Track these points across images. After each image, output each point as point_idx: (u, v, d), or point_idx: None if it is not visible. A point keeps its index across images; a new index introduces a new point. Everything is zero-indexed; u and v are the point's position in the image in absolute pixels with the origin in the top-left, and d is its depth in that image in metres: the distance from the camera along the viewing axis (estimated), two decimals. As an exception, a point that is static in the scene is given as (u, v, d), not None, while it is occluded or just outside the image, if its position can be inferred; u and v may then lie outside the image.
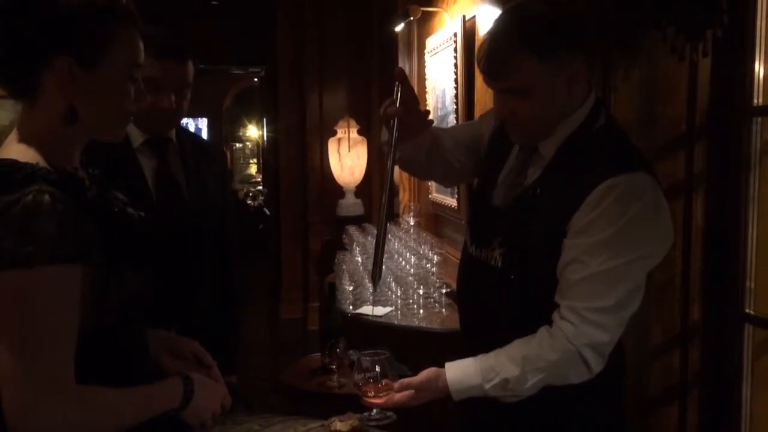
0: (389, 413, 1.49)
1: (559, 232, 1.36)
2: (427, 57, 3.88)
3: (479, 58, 1.42)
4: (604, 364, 1.37)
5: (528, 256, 1.41)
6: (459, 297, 1.69)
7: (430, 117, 1.62)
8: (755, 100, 1.88)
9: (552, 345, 1.35)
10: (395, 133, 1.48)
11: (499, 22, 1.42)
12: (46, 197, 0.98)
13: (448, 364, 1.42)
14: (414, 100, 1.54)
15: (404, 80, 1.51)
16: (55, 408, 0.99)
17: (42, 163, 1.04)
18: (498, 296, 1.47)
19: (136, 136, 1.77)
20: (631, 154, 1.42)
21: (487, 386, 1.37)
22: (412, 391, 1.42)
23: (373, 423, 1.48)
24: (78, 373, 1.02)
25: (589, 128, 1.42)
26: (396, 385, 1.44)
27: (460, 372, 1.40)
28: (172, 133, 1.86)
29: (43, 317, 0.98)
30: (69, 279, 1.00)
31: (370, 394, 1.45)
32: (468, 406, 1.45)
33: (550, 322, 1.38)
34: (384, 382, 1.45)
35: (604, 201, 1.32)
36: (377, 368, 1.46)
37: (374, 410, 1.49)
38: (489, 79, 1.42)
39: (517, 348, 1.38)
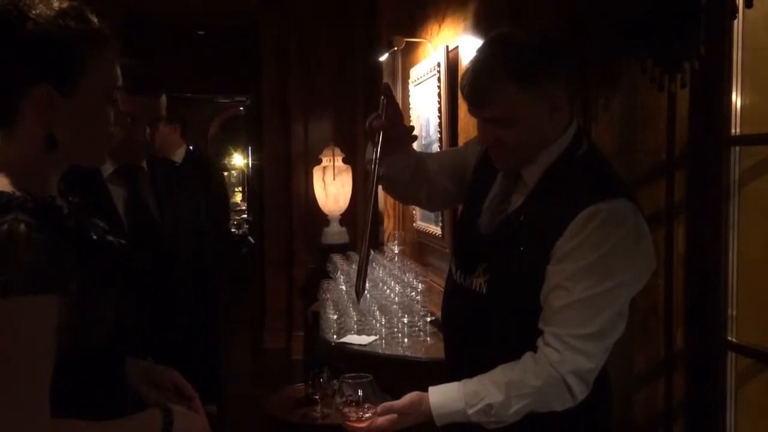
0: None
1: (543, 258, 1.36)
2: (411, 86, 3.92)
3: (462, 86, 1.43)
4: (588, 391, 1.36)
5: (512, 282, 1.41)
6: (444, 324, 1.68)
7: (414, 132, 1.64)
8: (733, 130, 1.91)
9: (536, 371, 1.34)
10: (379, 147, 1.49)
11: (483, 51, 1.43)
12: (22, 226, 0.96)
13: (431, 389, 1.41)
14: (399, 114, 1.56)
15: (389, 95, 1.52)
16: None
17: (18, 191, 1.03)
18: (482, 323, 1.47)
19: (107, 166, 1.79)
20: (612, 181, 1.43)
21: (471, 411, 1.35)
22: (395, 415, 1.40)
23: None
24: (54, 404, 1.00)
25: (572, 155, 1.43)
26: (378, 408, 1.41)
27: (443, 396, 1.39)
28: (143, 161, 1.88)
29: (17, 348, 0.96)
30: (45, 309, 0.98)
31: (352, 418, 1.43)
32: (451, 431, 1.44)
33: (534, 348, 1.38)
34: (366, 405, 1.42)
35: (586, 227, 1.33)
36: (360, 392, 1.43)
37: None
38: (473, 107, 1.43)
39: (500, 373, 1.37)
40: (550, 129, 1.42)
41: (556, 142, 1.43)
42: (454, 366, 1.58)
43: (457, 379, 1.44)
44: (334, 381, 2.63)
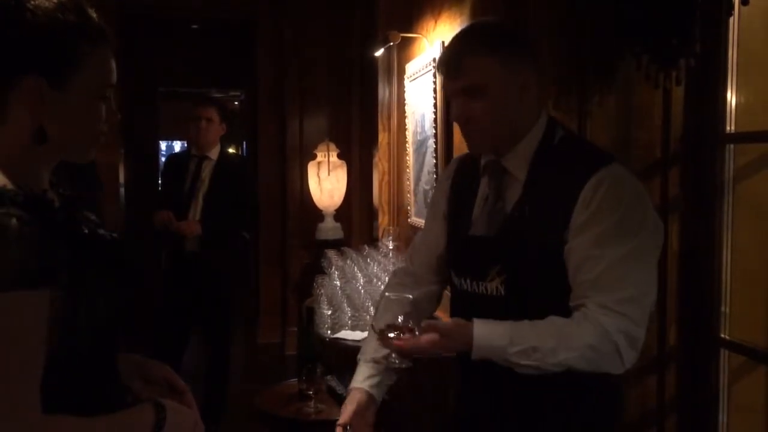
0: (407, 361, 1.45)
1: (559, 239, 1.38)
2: (406, 82, 3.91)
3: (439, 62, 1.52)
4: (636, 358, 1.37)
5: (531, 276, 1.42)
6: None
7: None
8: (728, 128, 1.91)
9: (589, 329, 1.32)
10: None
11: (459, 31, 1.56)
12: (13, 221, 0.95)
13: (476, 320, 1.37)
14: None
15: None
16: None
17: (9, 185, 1.02)
18: None
19: None
20: (600, 152, 1.51)
21: (512, 350, 1.32)
22: (437, 335, 1.36)
23: (392, 366, 1.46)
24: (46, 399, 0.99)
25: (551, 142, 1.48)
26: (423, 324, 1.39)
27: (488, 330, 1.35)
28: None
29: (7, 344, 0.95)
30: (35, 304, 0.97)
31: (391, 336, 1.39)
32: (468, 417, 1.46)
33: None
34: (407, 326, 1.40)
35: (597, 194, 1.37)
36: (400, 318, 1.41)
37: (393, 355, 1.44)
38: (448, 77, 1.49)
39: (552, 324, 1.35)
40: (521, 111, 1.48)
41: (531, 132, 1.48)
42: (477, 372, 1.53)
43: (482, 382, 1.46)
44: (328, 376, 2.63)
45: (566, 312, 1.39)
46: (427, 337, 1.37)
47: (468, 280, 1.51)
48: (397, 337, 1.39)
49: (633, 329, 1.34)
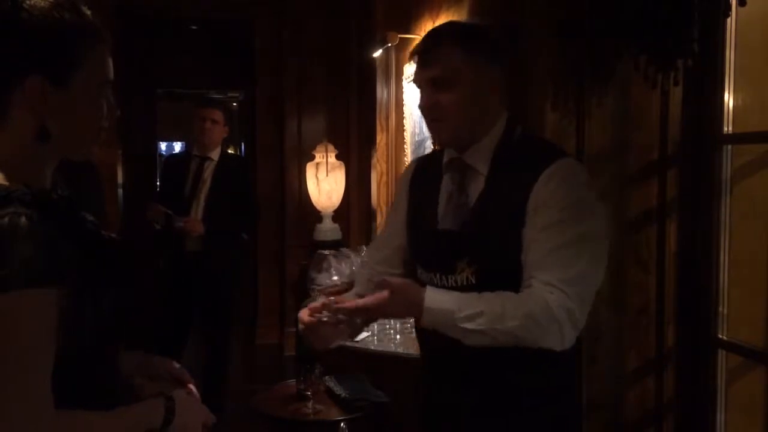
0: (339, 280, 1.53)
1: (519, 223, 1.45)
2: (405, 83, 3.91)
3: (413, 52, 1.58)
4: (575, 337, 1.42)
5: (499, 262, 1.48)
6: (424, 330, 1.66)
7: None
8: (726, 128, 1.92)
9: (533, 300, 1.38)
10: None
11: (440, 24, 1.63)
12: (23, 219, 0.96)
13: (429, 287, 1.45)
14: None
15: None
16: (45, 429, 0.97)
17: (15, 184, 1.02)
18: None
19: None
20: (555, 148, 1.60)
21: (460, 314, 1.37)
22: (387, 292, 1.41)
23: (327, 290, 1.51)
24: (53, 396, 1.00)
25: (511, 138, 1.55)
26: (376, 279, 1.46)
27: (438, 295, 1.42)
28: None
29: (21, 341, 0.96)
30: (45, 302, 0.98)
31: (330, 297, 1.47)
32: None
33: None
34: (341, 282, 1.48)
35: (550, 184, 1.44)
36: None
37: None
38: (420, 66, 1.53)
39: (499, 295, 1.41)
40: (485, 109, 1.53)
41: (493, 128, 1.54)
42: (446, 365, 1.59)
43: (441, 382, 1.51)
44: (326, 377, 2.63)
45: None
46: (377, 296, 1.42)
47: (438, 275, 1.55)
48: (337, 297, 1.46)
49: (575, 307, 1.38)
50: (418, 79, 1.55)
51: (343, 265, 1.55)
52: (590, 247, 1.44)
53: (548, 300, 1.37)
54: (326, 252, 1.55)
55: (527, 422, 1.52)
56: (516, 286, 1.44)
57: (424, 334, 1.63)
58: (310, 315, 1.51)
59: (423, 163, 1.76)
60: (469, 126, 1.53)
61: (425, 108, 1.54)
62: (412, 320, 2.85)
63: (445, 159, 1.61)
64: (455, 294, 1.43)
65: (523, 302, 1.38)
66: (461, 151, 1.56)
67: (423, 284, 1.54)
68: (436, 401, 1.64)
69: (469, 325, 1.37)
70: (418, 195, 1.67)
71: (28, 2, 1.04)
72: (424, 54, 1.53)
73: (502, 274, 1.46)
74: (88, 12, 1.11)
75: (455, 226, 1.53)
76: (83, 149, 1.16)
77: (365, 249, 3.69)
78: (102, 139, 1.17)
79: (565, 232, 1.41)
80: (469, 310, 1.37)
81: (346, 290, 1.47)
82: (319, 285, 1.51)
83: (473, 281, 1.48)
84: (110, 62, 1.14)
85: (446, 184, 1.60)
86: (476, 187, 1.53)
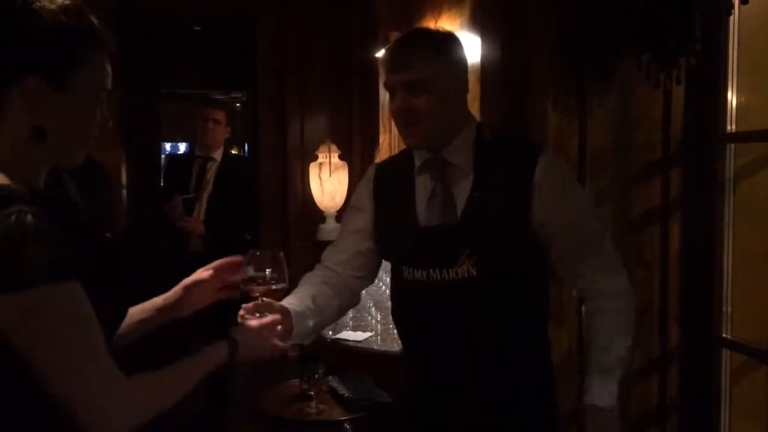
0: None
1: (525, 218, 1.51)
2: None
3: (385, 57, 1.61)
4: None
5: (501, 255, 1.52)
6: (416, 326, 1.67)
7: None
8: (729, 127, 1.91)
9: (621, 314, 1.58)
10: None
11: (409, 31, 1.69)
12: (29, 217, 0.96)
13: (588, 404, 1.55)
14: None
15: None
16: (126, 398, 1.01)
17: (13, 184, 1.02)
18: (473, 306, 1.53)
19: None
20: (533, 141, 1.74)
21: (619, 375, 1.54)
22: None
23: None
24: None
25: (485, 138, 1.60)
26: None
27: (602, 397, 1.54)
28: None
29: (78, 325, 0.99)
30: (77, 291, 0.99)
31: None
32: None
33: (520, 323, 1.55)
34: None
35: (552, 175, 1.52)
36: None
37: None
38: (392, 71, 1.55)
39: (606, 338, 1.57)
40: (456, 111, 1.57)
41: (462, 132, 1.58)
42: (440, 360, 1.61)
43: (430, 375, 1.59)
44: (329, 377, 2.63)
45: (534, 280, 1.59)
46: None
47: (437, 270, 1.54)
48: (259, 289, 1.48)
49: (624, 276, 1.63)
50: (390, 84, 1.57)
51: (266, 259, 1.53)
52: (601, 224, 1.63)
53: (622, 307, 1.57)
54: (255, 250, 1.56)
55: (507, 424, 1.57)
56: (514, 276, 1.52)
57: (405, 330, 1.70)
58: (241, 317, 1.51)
59: (386, 167, 1.76)
60: (442, 128, 1.56)
61: (400, 111, 1.56)
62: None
63: (419, 161, 1.63)
64: (596, 378, 1.55)
65: (619, 326, 1.57)
66: (436, 151, 1.58)
67: (411, 284, 1.57)
68: (419, 400, 1.68)
69: (620, 375, 1.55)
70: (387, 199, 1.68)
71: (37, 4, 1.05)
72: (396, 59, 1.56)
73: (503, 263, 1.51)
74: (96, 20, 1.11)
75: (447, 221, 1.55)
76: (74, 154, 1.15)
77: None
78: (90, 146, 1.16)
79: (592, 219, 1.59)
80: (613, 384, 1.53)
81: (285, 291, 1.49)
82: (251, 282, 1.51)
83: (474, 273, 1.51)
84: (110, 71, 1.14)
85: (423, 183, 1.61)
86: (461, 182, 1.56)
